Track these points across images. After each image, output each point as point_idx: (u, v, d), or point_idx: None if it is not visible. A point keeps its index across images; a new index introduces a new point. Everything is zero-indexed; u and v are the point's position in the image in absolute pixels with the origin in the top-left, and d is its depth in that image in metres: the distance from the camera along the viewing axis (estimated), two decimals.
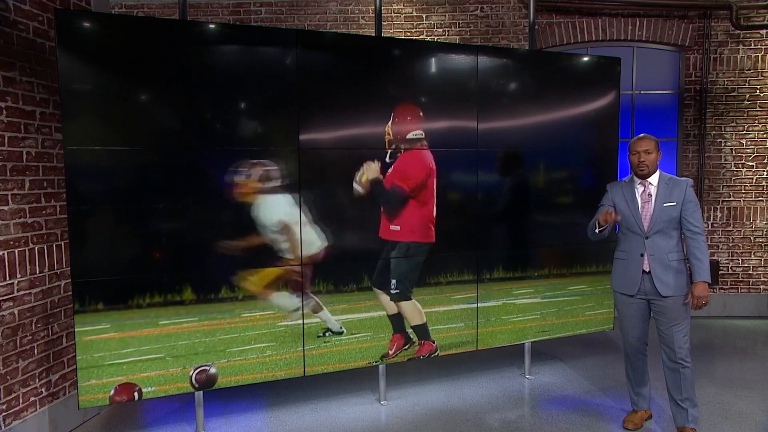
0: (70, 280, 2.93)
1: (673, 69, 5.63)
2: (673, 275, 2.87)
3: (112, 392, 2.78)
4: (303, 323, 3.17)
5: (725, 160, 5.50)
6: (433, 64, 3.42)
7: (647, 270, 2.92)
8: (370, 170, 3.25)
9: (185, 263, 2.92)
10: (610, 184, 3.16)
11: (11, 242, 2.75)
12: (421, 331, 3.48)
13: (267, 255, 3.07)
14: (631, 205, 2.97)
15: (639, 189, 2.97)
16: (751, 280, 5.55)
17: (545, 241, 3.85)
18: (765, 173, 5.48)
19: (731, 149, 5.49)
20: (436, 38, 5.37)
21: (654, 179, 2.95)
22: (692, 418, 2.92)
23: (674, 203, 2.87)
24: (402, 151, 3.33)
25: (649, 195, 2.94)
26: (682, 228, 2.90)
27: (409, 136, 3.35)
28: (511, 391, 3.71)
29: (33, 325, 2.90)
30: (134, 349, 2.82)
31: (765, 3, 5.30)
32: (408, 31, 5.39)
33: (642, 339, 3.06)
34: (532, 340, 3.87)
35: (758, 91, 5.43)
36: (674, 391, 2.93)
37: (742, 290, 5.56)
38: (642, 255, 2.93)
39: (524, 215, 3.78)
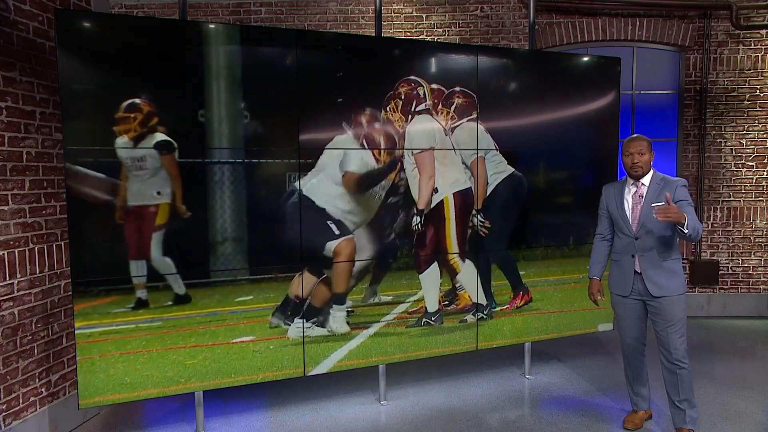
0: (70, 280, 2.93)
1: (673, 69, 5.63)
2: (665, 276, 2.86)
3: None
4: (303, 321, 3.17)
5: (725, 160, 5.50)
6: (433, 64, 3.42)
7: (639, 270, 2.92)
8: None
9: (185, 263, 2.91)
10: (606, 186, 3.17)
11: (11, 242, 2.75)
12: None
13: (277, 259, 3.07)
14: (619, 207, 2.99)
15: (631, 190, 2.97)
16: (751, 280, 5.54)
17: (545, 241, 3.84)
18: (765, 173, 5.48)
19: (731, 149, 5.49)
20: (436, 38, 5.37)
21: (646, 180, 2.93)
22: (690, 419, 2.91)
23: (663, 203, 2.83)
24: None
25: (641, 196, 2.93)
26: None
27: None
28: (511, 391, 3.71)
29: (33, 325, 2.90)
30: (135, 349, 2.82)
31: (765, 3, 5.30)
32: (408, 31, 5.39)
33: (639, 339, 3.06)
34: (532, 340, 3.87)
35: (758, 91, 5.43)
36: (672, 392, 2.93)
37: (742, 290, 5.56)
38: (633, 256, 2.93)
39: (524, 215, 3.77)
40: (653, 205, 2.66)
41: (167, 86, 2.81)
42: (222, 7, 5.34)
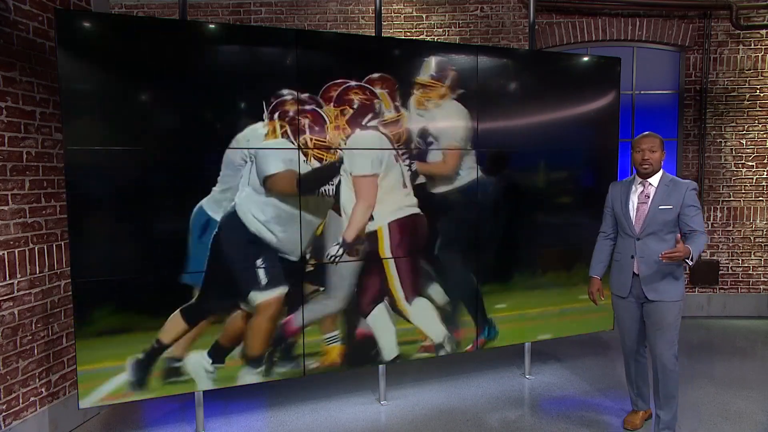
0: (70, 280, 2.93)
1: (673, 69, 5.63)
2: (663, 280, 2.81)
3: None
4: (303, 321, 3.17)
5: (725, 160, 5.50)
6: (432, 64, 3.42)
7: (637, 272, 2.88)
8: None
9: (185, 263, 2.91)
10: (613, 183, 3.12)
11: (11, 242, 2.75)
12: None
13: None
14: (624, 206, 2.94)
15: (638, 189, 2.92)
16: (751, 280, 5.54)
17: (545, 242, 3.84)
18: (765, 173, 5.48)
19: (731, 149, 5.49)
20: (436, 38, 5.37)
21: (655, 180, 2.87)
22: (664, 425, 2.89)
23: (670, 206, 2.78)
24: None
25: (647, 196, 2.87)
26: (680, 231, 2.82)
27: None
28: (511, 391, 3.71)
29: (33, 325, 2.90)
30: (135, 349, 2.83)
31: (765, 3, 5.30)
32: (408, 31, 5.39)
33: (639, 341, 3.03)
34: (532, 340, 3.87)
35: (758, 91, 5.43)
36: (655, 394, 2.93)
37: (742, 290, 5.56)
38: (632, 257, 2.89)
39: (524, 216, 3.77)
40: (661, 255, 2.62)
41: (167, 86, 2.81)
42: (222, 7, 5.34)
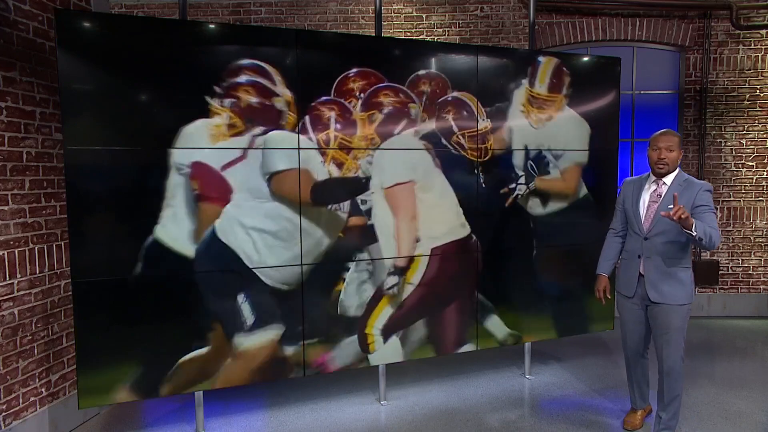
0: (70, 280, 2.93)
1: (673, 69, 5.63)
2: (669, 282, 2.77)
3: None
4: (303, 322, 3.17)
5: (725, 160, 5.50)
6: (433, 64, 3.42)
7: (642, 273, 2.86)
8: None
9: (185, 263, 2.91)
10: (626, 180, 3.07)
11: (11, 242, 2.75)
12: None
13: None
14: (634, 203, 2.90)
15: (651, 187, 2.87)
16: (751, 280, 5.54)
17: (545, 241, 3.84)
18: (765, 173, 5.48)
19: (731, 149, 5.49)
20: (436, 38, 5.37)
21: (669, 179, 2.81)
22: (663, 425, 2.88)
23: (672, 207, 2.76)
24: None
25: (659, 195, 2.82)
26: None
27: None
28: (511, 391, 3.71)
29: (33, 325, 2.90)
30: (135, 349, 2.82)
31: (765, 3, 5.30)
32: (408, 31, 5.39)
33: (642, 343, 3.02)
34: (532, 340, 3.87)
35: (758, 91, 5.43)
36: (659, 395, 2.92)
37: (742, 290, 5.56)
38: (639, 257, 2.87)
39: (524, 215, 3.77)
40: (662, 213, 2.51)
41: (167, 86, 2.81)
42: (222, 7, 5.34)
